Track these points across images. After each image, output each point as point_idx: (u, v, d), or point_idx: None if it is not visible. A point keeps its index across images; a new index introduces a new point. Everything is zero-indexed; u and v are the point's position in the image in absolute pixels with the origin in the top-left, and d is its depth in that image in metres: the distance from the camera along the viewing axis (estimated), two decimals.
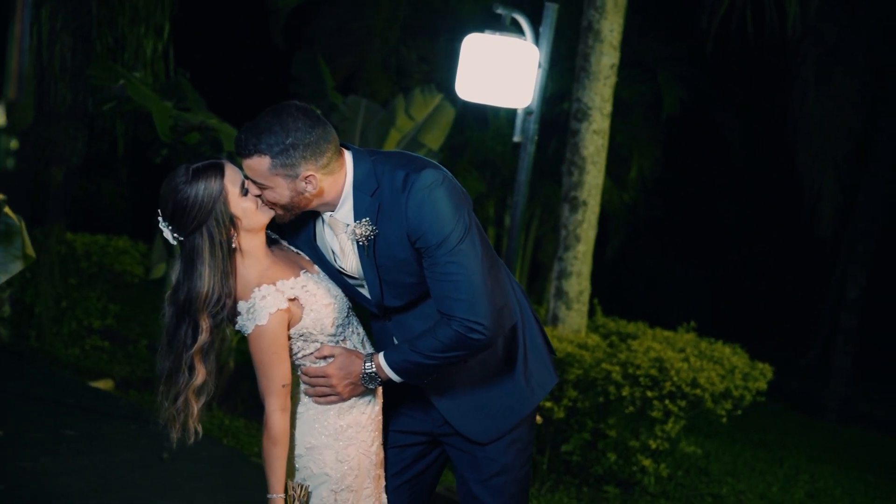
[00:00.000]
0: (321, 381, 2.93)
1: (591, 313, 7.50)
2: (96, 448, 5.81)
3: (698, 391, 6.11)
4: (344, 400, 2.96)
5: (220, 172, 2.84)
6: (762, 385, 6.56)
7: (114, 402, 6.84)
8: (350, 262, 2.96)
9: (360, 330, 3.07)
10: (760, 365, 6.71)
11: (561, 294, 6.58)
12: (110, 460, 5.62)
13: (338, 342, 2.97)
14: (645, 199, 11.31)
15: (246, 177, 2.86)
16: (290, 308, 2.86)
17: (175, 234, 2.87)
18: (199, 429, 2.93)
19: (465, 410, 3.08)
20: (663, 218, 13.78)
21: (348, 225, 2.91)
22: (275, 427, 2.86)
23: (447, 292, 2.83)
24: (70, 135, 7.79)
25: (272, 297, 2.83)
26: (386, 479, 3.16)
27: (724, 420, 6.46)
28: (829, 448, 9.31)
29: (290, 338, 2.89)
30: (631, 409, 6.13)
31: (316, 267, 3.02)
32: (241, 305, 2.86)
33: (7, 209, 3.07)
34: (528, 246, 10.10)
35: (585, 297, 6.64)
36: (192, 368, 2.87)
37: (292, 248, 3.07)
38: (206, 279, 2.81)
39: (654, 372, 6.07)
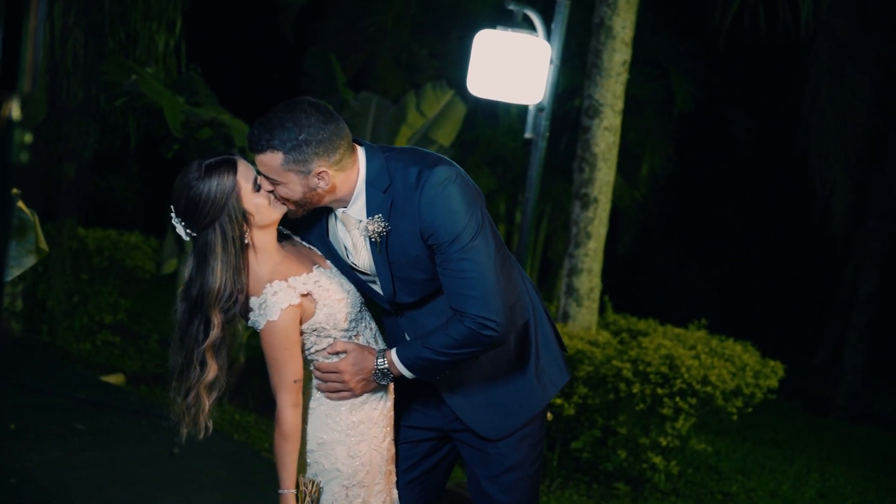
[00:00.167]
0: (333, 376, 2.93)
1: (602, 310, 7.50)
2: (107, 442, 5.83)
3: (709, 388, 6.09)
4: (356, 396, 2.96)
5: (233, 168, 2.84)
6: (773, 383, 6.54)
7: (124, 397, 6.86)
8: (362, 258, 2.96)
9: (373, 325, 3.07)
10: (771, 362, 6.69)
11: (571, 291, 6.57)
12: (121, 454, 5.64)
13: (350, 337, 2.97)
14: (656, 197, 11.28)
15: (258, 173, 2.86)
16: (303, 303, 2.86)
17: (188, 230, 2.87)
18: (211, 424, 2.94)
19: (476, 407, 3.08)
20: (674, 215, 13.76)
21: (361, 221, 2.91)
22: (286, 423, 2.86)
23: (460, 289, 2.83)
24: (82, 130, 7.83)
25: (283, 293, 2.83)
26: (397, 475, 3.16)
27: (735, 418, 6.45)
28: (840, 446, 9.28)
29: (302, 333, 2.89)
30: (641, 406, 6.13)
31: (328, 262, 3.02)
32: (253, 301, 2.87)
33: (20, 203, 3.07)
34: (538, 243, 10.09)
35: (596, 293, 6.63)
36: (203, 364, 2.87)
37: (304, 243, 3.07)
38: (219, 275, 2.81)
39: (664, 369, 6.06)
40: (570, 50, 7.90)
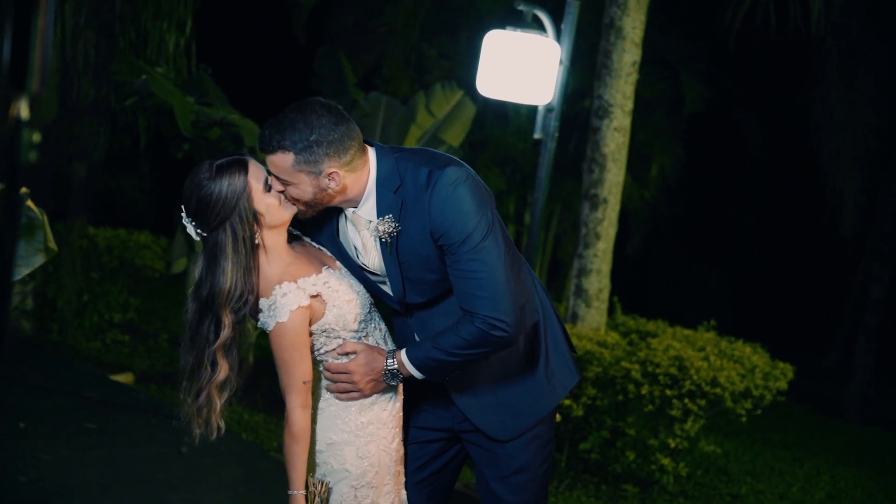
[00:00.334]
0: (343, 377, 2.93)
1: (611, 311, 7.48)
2: (116, 441, 5.84)
3: (718, 390, 6.08)
4: (366, 396, 2.96)
5: (244, 168, 2.84)
6: (782, 385, 6.52)
7: (134, 396, 6.87)
8: (372, 258, 2.96)
9: (383, 326, 3.07)
10: (781, 364, 6.67)
11: (581, 292, 6.57)
12: (130, 453, 5.65)
13: (360, 338, 2.97)
14: (665, 198, 11.26)
15: (269, 173, 2.86)
16: (312, 304, 2.86)
17: (198, 230, 2.87)
18: (223, 424, 2.94)
19: (485, 408, 3.08)
20: (684, 216, 13.72)
21: (371, 221, 2.91)
22: (296, 424, 2.86)
23: (470, 289, 2.83)
24: (93, 130, 7.84)
25: (293, 295, 2.83)
26: (406, 476, 3.16)
27: (744, 419, 6.43)
28: (849, 449, 9.25)
29: (312, 334, 2.89)
30: (650, 407, 6.11)
31: (338, 263, 3.02)
32: (263, 302, 2.87)
33: (29, 202, 3.07)
34: (548, 243, 10.08)
35: (605, 294, 6.62)
36: (214, 364, 2.88)
37: (314, 244, 3.07)
38: (229, 275, 2.82)
39: (673, 370, 6.05)
40: (579, 50, 7.88)
